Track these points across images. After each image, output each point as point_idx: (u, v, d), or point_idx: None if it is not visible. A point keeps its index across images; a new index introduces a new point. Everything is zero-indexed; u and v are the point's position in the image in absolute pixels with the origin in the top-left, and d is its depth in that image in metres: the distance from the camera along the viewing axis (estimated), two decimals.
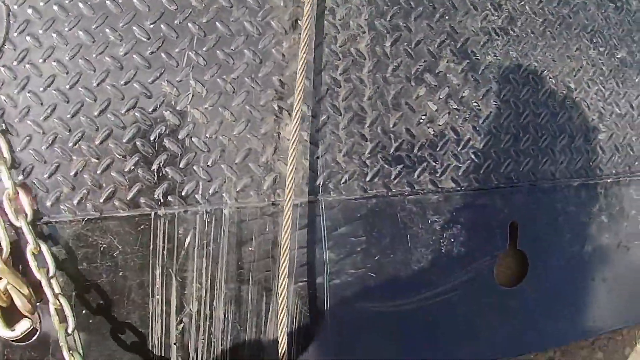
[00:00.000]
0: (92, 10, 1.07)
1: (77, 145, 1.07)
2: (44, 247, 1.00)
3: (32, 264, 0.99)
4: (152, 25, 1.07)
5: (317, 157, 1.09)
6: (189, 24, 1.07)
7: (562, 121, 1.29)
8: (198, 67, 1.08)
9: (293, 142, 1.06)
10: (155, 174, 1.08)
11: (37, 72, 1.07)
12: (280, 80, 1.09)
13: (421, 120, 1.14)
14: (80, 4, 1.07)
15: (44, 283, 0.97)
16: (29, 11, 1.06)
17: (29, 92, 1.08)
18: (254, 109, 1.09)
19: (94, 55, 1.07)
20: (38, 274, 0.98)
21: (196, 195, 1.08)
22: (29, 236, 1.00)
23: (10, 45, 1.07)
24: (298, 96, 1.07)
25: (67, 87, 1.07)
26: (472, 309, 1.22)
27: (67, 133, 1.07)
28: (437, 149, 1.15)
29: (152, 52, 1.07)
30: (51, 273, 0.99)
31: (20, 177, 1.05)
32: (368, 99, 1.11)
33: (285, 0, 1.09)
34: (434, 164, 1.15)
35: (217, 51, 1.08)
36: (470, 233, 1.17)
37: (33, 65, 1.07)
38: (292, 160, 1.05)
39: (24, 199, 1.04)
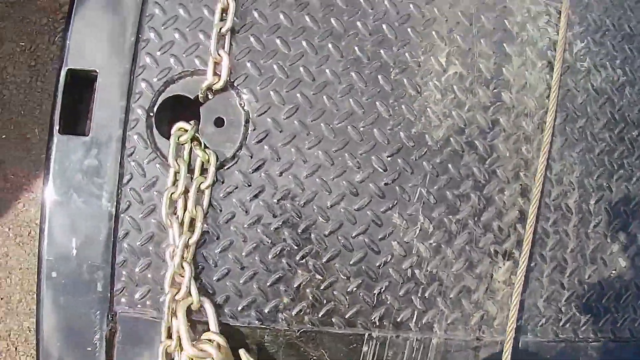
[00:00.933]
0: (334, 133, 1.10)
1: (304, 260, 1.09)
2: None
3: None
4: (389, 158, 1.10)
5: (522, 300, 1.14)
6: (424, 162, 1.10)
7: None
8: (428, 204, 1.11)
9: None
10: (375, 298, 1.10)
11: (272, 184, 1.09)
12: (499, 226, 1.12)
13: (612, 275, 1.19)
14: (322, 125, 1.10)
15: None
16: (269, 122, 1.08)
17: (261, 202, 1.10)
18: (473, 249, 1.11)
19: (331, 177, 1.09)
20: None
21: (409, 323, 1.09)
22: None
23: (247, 152, 1.10)
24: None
25: (301, 203, 1.10)
26: None
27: (296, 247, 1.09)
28: (621, 302, 1.20)
29: (386, 184, 1.09)
30: None
31: (253, 283, 1.05)
32: (570, 251, 1.16)
33: (510, 152, 1.14)
34: (616, 315, 1.20)
35: (447, 191, 1.11)
36: None
37: (269, 175, 1.09)
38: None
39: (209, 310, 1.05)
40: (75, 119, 1.15)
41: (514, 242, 1.11)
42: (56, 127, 1.11)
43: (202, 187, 1.06)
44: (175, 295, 1.04)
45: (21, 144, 1.48)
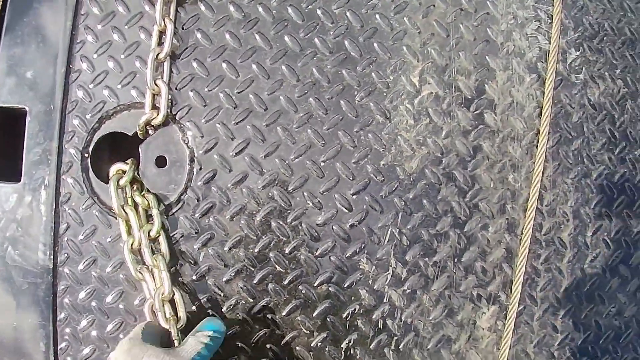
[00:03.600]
0: (290, 170, 0.83)
1: (262, 313, 0.86)
2: None
3: None
4: (354, 196, 0.84)
5: (509, 347, 0.94)
6: (395, 199, 0.85)
7: None
8: (400, 246, 0.87)
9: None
10: (343, 353, 0.86)
11: (223, 230, 0.83)
12: (482, 267, 0.86)
13: (610, 312, 0.94)
14: (277, 161, 0.83)
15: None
16: (217, 160, 0.83)
17: (211, 250, 0.84)
18: (453, 294, 0.87)
19: (289, 220, 0.83)
20: None
21: None
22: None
23: (193, 195, 0.88)
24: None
25: (256, 251, 0.84)
26: None
27: (252, 300, 0.88)
28: (620, 341, 0.97)
29: (352, 225, 0.85)
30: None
31: None
32: (564, 290, 0.92)
33: (495, 182, 0.88)
34: (615, 355, 0.97)
35: (422, 230, 0.85)
36: None
37: (218, 221, 0.87)
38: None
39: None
40: (13, 161, 0.95)
41: (499, 284, 0.88)
42: None
43: (152, 234, 0.82)
44: None
45: None
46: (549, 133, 0.87)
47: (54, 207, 0.85)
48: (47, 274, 0.86)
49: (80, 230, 0.85)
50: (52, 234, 0.85)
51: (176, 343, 0.77)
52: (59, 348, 0.87)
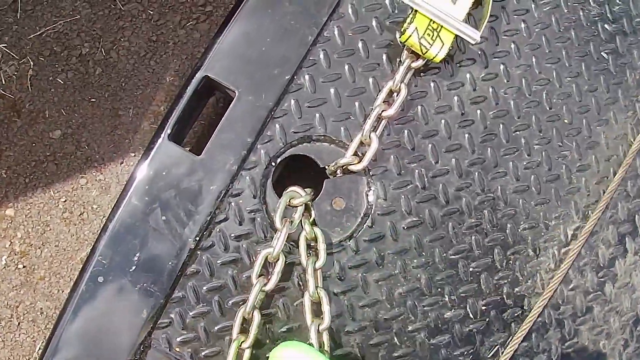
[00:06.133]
0: (444, 263, 0.87)
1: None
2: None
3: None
4: (484, 307, 0.87)
5: None
6: (513, 324, 0.87)
7: None
8: None
9: None
10: None
11: (365, 288, 0.85)
12: None
13: None
14: (437, 251, 0.86)
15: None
16: (388, 226, 0.84)
17: (347, 301, 0.87)
18: None
19: (423, 305, 0.86)
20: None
21: None
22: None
23: (353, 246, 0.88)
24: None
25: (384, 318, 0.86)
26: None
27: (359, 356, 0.90)
28: None
29: (470, 331, 0.86)
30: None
31: None
32: None
33: (589, 342, 0.93)
34: None
35: (520, 358, 0.96)
36: None
37: (365, 279, 0.89)
38: None
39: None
40: (181, 128, 0.92)
41: None
42: (167, 131, 0.86)
43: (317, 266, 0.82)
44: None
45: (110, 117, 1.10)
46: None
47: (221, 194, 0.83)
48: (183, 250, 0.83)
49: (236, 228, 0.83)
50: (209, 218, 0.83)
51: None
52: (159, 322, 0.83)
